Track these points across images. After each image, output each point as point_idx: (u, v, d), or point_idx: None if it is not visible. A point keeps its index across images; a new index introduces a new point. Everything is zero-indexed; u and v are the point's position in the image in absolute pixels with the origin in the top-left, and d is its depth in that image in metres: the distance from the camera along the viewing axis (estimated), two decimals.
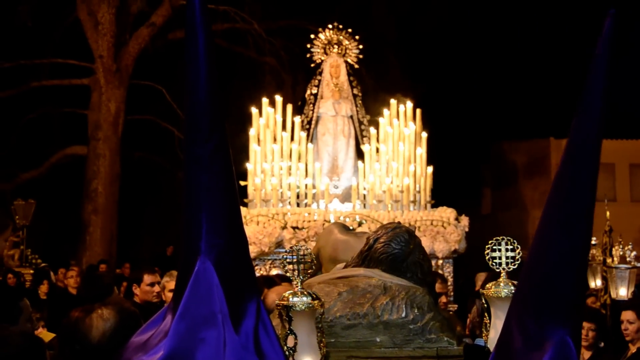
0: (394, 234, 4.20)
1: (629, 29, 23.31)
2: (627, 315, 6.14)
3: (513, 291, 3.19)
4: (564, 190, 2.11)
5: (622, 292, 7.91)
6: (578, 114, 2.12)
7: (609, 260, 8.19)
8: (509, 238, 3.39)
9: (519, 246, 3.38)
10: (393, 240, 4.17)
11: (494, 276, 3.67)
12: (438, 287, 6.63)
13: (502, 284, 3.33)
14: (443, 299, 6.59)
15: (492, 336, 3.32)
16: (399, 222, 4.84)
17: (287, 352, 2.98)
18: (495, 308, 3.35)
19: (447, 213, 11.07)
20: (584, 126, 2.11)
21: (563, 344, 2.04)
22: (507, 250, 3.37)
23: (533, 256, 2.19)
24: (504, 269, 3.36)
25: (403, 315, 3.95)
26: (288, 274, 3.24)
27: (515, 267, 3.40)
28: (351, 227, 10.05)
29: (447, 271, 10.88)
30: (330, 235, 5.64)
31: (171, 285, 6.59)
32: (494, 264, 3.36)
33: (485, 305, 3.41)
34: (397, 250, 4.16)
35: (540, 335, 2.08)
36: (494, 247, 3.37)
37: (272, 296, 4.48)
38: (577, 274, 2.09)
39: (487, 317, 3.41)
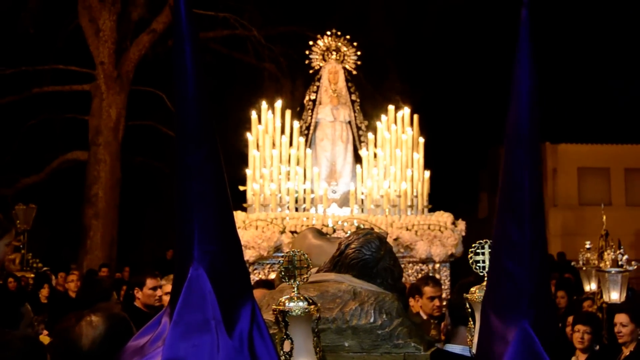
0: (365, 239, 4.19)
1: (624, 41, 23.50)
2: (621, 318, 6.26)
3: None
4: (509, 182, 2.15)
5: (615, 295, 7.97)
6: (510, 107, 2.23)
7: (601, 264, 8.29)
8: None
9: None
10: (364, 246, 4.15)
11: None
12: (431, 290, 6.70)
13: (485, 289, 3.29)
14: (436, 303, 6.64)
15: (477, 341, 3.16)
16: (371, 228, 4.88)
17: (283, 357, 3.00)
18: (479, 313, 3.22)
19: (444, 217, 11.12)
20: (517, 117, 2.20)
21: (524, 333, 2.07)
22: (490, 253, 3.25)
23: (493, 253, 2.28)
24: (487, 272, 3.24)
25: (371, 320, 3.92)
26: (284, 280, 3.23)
27: None
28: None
29: (444, 275, 10.93)
30: (304, 240, 5.50)
31: (168, 288, 6.71)
32: (477, 267, 3.32)
33: (470, 310, 3.38)
34: (367, 256, 4.14)
35: (503, 327, 2.13)
36: (477, 251, 3.32)
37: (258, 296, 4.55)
38: (530, 264, 2.10)
39: (472, 322, 3.39)
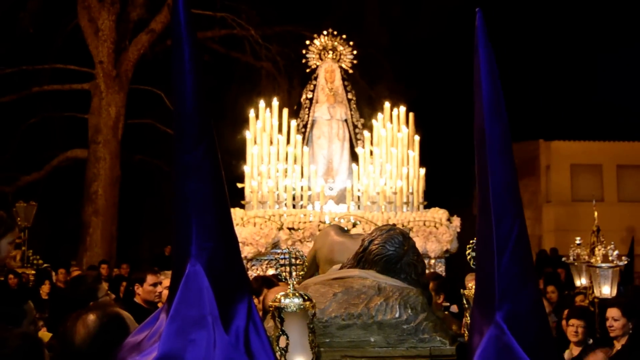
0: (389, 235, 4.23)
1: (617, 38, 23.55)
2: (612, 312, 6.22)
3: None
4: (479, 182, 2.26)
5: (606, 290, 8.03)
6: (475, 110, 2.28)
7: (592, 260, 8.38)
8: None
9: None
10: (387, 242, 4.19)
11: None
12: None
13: None
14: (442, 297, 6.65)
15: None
16: (393, 224, 4.87)
17: (279, 353, 3.03)
18: None
19: (439, 214, 11.12)
20: (479, 119, 2.29)
21: (497, 326, 2.11)
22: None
23: (477, 250, 2.36)
24: None
25: (397, 315, 3.97)
26: (281, 276, 3.29)
27: None
28: (346, 229, 10.35)
29: (439, 270, 10.92)
30: (326, 237, 5.59)
31: (167, 282, 6.79)
32: (474, 264, 3.24)
33: (467, 305, 3.43)
34: (391, 251, 4.18)
35: (481, 321, 2.18)
36: (475, 247, 3.30)
37: (272, 297, 4.53)
38: (498, 257, 2.14)
39: (468, 317, 3.43)
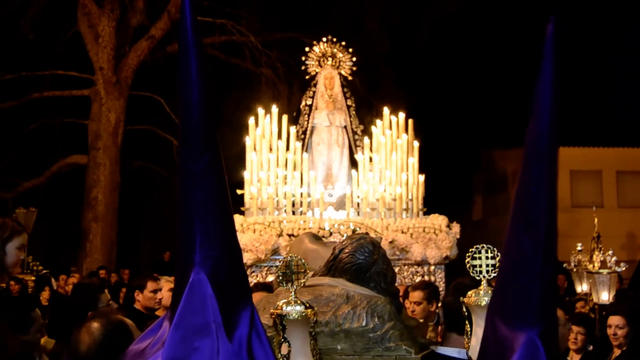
0: (359, 244, 4.24)
1: (618, 45, 23.59)
2: (616, 320, 6.15)
3: None
4: (524, 195, 2.13)
5: (604, 296, 8.08)
6: (531, 121, 2.13)
7: (589, 266, 8.39)
8: (489, 246, 3.36)
9: (499, 254, 3.29)
10: (357, 251, 4.20)
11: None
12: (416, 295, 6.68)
13: (482, 292, 3.30)
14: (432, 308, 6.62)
15: (474, 344, 3.30)
16: (365, 233, 4.89)
17: None
18: (476, 316, 3.33)
19: (438, 220, 11.08)
20: (536, 132, 2.12)
21: (531, 344, 2.07)
22: (487, 258, 3.33)
23: (503, 261, 2.25)
24: (484, 276, 3.33)
25: (363, 323, 3.97)
26: (282, 285, 3.28)
27: (495, 274, 3.32)
28: (346, 235, 10.36)
29: (439, 277, 10.93)
30: (300, 245, 5.56)
31: (168, 286, 6.80)
32: (474, 272, 3.34)
33: (467, 313, 3.38)
34: (361, 260, 4.19)
35: (510, 336, 2.12)
36: (474, 255, 3.33)
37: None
38: (541, 276, 2.10)
39: (469, 325, 3.38)
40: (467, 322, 3.41)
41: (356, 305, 4.07)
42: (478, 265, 3.34)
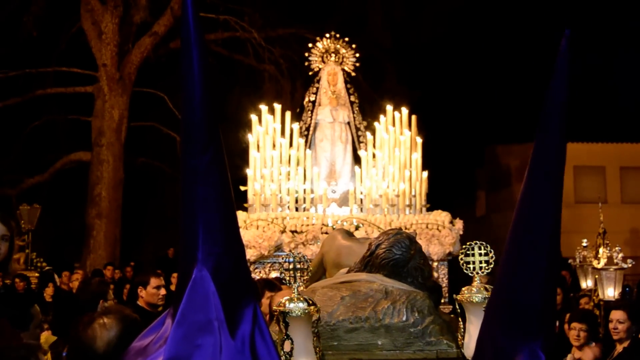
0: (395, 240, 4.27)
1: (619, 41, 23.53)
2: (617, 314, 6.20)
3: (486, 297, 3.22)
4: (529, 207, 2.16)
5: (610, 292, 8.07)
6: (539, 135, 2.17)
7: (595, 262, 8.37)
8: (482, 243, 3.35)
9: (492, 250, 3.33)
10: (394, 246, 4.23)
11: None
12: None
13: (475, 289, 3.31)
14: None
15: (467, 341, 3.34)
16: (400, 229, 4.87)
17: (283, 357, 3.04)
18: (469, 313, 3.35)
19: (442, 216, 11.08)
20: (545, 149, 2.16)
21: (533, 355, 2.10)
22: (480, 254, 3.34)
23: (503, 272, 2.24)
24: (477, 273, 3.33)
25: (404, 318, 4.00)
26: (285, 280, 3.28)
27: (488, 271, 3.35)
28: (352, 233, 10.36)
29: (442, 273, 10.94)
30: (334, 241, 5.62)
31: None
32: (467, 268, 3.34)
33: (460, 310, 3.40)
34: (398, 255, 4.23)
35: (511, 347, 2.13)
36: (467, 252, 3.33)
37: (278, 300, 4.52)
38: (545, 288, 2.13)
39: (462, 322, 3.40)
40: (459, 319, 3.42)
41: (395, 301, 4.09)
42: (471, 262, 3.35)
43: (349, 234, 5.78)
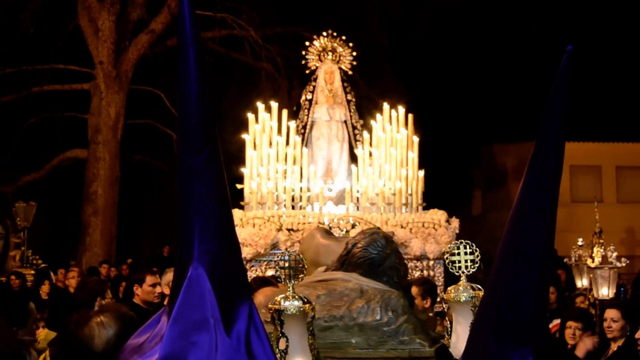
0: (372, 239, 4.29)
1: (613, 39, 23.56)
2: (612, 313, 6.22)
3: (472, 296, 3.24)
4: (523, 220, 2.15)
5: (604, 291, 8.09)
6: (536, 151, 2.15)
7: (589, 261, 8.39)
8: (467, 242, 3.36)
9: (477, 249, 3.34)
10: (370, 246, 4.25)
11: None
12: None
13: (461, 288, 3.31)
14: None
15: (454, 340, 3.35)
16: (377, 228, 4.93)
17: (279, 355, 3.05)
18: (456, 313, 3.35)
19: (438, 215, 11.07)
20: (542, 161, 2.15)
21: None
22: (466, 253, 3.34)
23: (494, 279, 2.23)
24: (463, 272, 3.33)
25: (377, 317, 4.03)
26: (280, 278, 3.30)
27: (475, 270, 3.35)
28: (345, 230, 10.37)
29: (438, 272, 10.95)
30: (312, 240, 5.65)
31: (169, 277, 6.82)
32: (453, 267, 3.34)
33: (447, 309, 3.41)
34: (374, 255, 4.25)
35: (501, 352, 2.13)
36: (453, 252, 3.33)
37: (259, 297, 4.46)
38: (536, 297, 2.12)
39: (448, 321, 3.42)
40: (446, 318, 3.45)
41: (370, 300, 4.12)
42: (457, 261, 3.35)
43: (327, 233, 5.82)
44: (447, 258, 3.37)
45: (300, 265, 3.29)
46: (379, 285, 4.23)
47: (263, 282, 6.53)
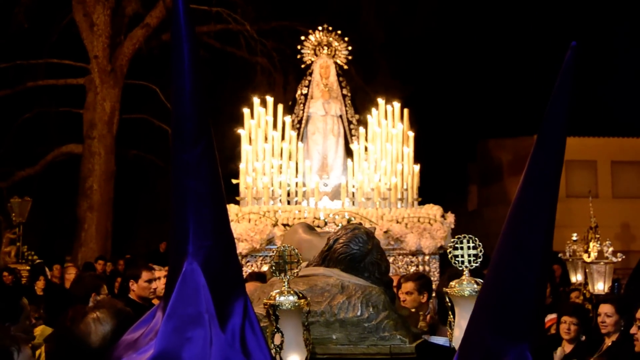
0: (353, 234, 4.27)
1: (612, 33, 23.60)
2: (606, 308, 6.22)
3: (476, 290, 3.23)
4: (522, 216, 2.16)
5: (600, 286, 8.11)
6: (538, 147, 2.13)
7: (585, 256, 8.41)
8: (470, 236, 3.35)
9: (480, 244, 3.33)
10: (352, 241, 4.23)
11: (453, 275, 3.66)
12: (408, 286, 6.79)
13: (465, 283, 3.32)
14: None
15: (457, 335, 3.30)
16: (359, 223, 4.94)
17: (274, 350, 3.05)
18: (459, 307, 3.34)
19: (433, 210, 11.12)
20: (543, 158, 2.13)
21: (521, 357, 2.11)
22: (469, 248, 3.33)
23: (492, 274, 2.23)
24: (466, 266, 3.33)
25: (358, 313, 4.01)
26: (275, 275, 3.30)
27: (477, 264, 3.36)
28: (341, 225, 10.38)
29: (434, 267, 10.97)
30: (294, 235, 5.53)
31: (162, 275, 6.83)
32: (456, 262, 3.33)
33: (450, 304, 3.40)
34: (355, 250, 4.23)
35: (499, 349, 2.13)
36: (456, 246, 3.33)
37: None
38: (535, 292, 2.14)
39: (452, 316, 3.39)
40: (450, 312, 3.43)
41: (351, 295, 4.10)
42: (460, 256, 3.34)
43: (310, 228, 5.80)
44: (450, 252, 3.37)
45: (295, 260, 3.29)
46: (360, 281, 4.23)
47: (258, 278, 6.55)
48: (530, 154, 2.14)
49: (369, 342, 4.00)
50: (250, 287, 4.68)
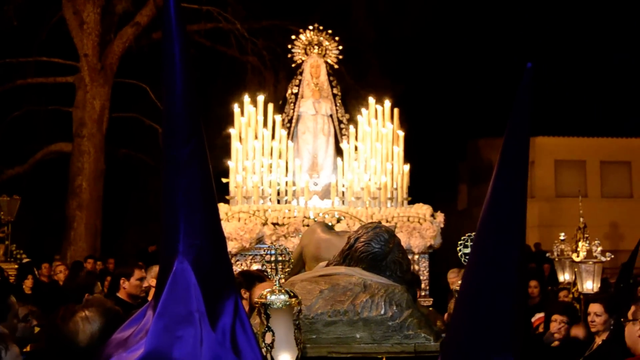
0: (374, 233, 4.27)
1: (606, 39, 23.71)
2: (595, 307, 6.26)
3: None
4: (492, 232, 2.18)
5: (589, 285, 8.16)
6: (500, 167, 2.19)
7: (574, 256, 8.45)
8: None
9: None
10: (373, 240, 4.24)
11: None
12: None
13: None
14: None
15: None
16: (379, 222, 4.93)
17: (264, 349, 3.05)
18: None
19: (423, 210, 11.10)
20: (506, 173, 2.19)
21: None
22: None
23: (468, 284, 2.24)
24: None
25: (382, 312, 4.02)
26: (267, 273, 3.34)
27: None
28: (331, 224, 10.37)
29: (423, 266, 10.98)
30: (313, 234, 5.63)
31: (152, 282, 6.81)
32: (465, 260, 3.36)
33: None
34: (377, 249, 4.23)
35: (485, 356, 2.13)
36: (466, 244, 3.42)
37: (259, 292, 4.52)
38: (514, 299, 2.13)
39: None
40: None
41: (374, 294, 4.10)
42: (469, 253, 3.32)
43: (328, 227, 5.80)
44: (459, 250, 3.42)
45: (286, 259, 3.29)
46: (382, 279, 4.23)
47: (255, 277, 6.53)
48: (492, 177, 2.19)
49: (393, 340, 4.01)
50: (257, 291, 4.61)
